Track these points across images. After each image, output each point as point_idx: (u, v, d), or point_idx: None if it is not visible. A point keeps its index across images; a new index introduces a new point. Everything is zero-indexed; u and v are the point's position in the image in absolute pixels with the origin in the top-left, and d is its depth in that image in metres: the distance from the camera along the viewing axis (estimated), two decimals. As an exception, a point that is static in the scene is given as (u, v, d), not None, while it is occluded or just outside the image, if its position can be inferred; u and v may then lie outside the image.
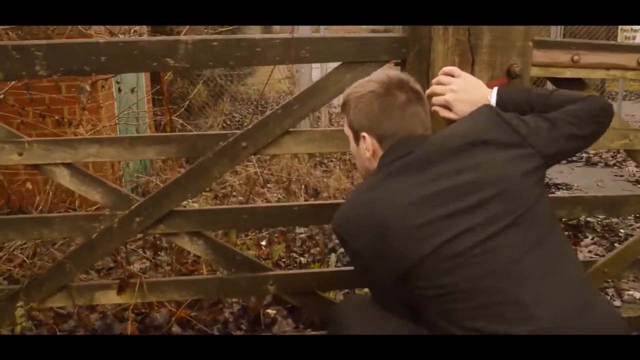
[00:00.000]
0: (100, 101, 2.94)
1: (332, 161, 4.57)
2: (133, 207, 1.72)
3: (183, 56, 1.62)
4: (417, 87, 1.37)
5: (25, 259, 2.36)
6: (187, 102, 3.21)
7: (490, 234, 1.16)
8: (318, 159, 4.30)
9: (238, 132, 1.72)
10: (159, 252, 2.48)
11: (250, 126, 1.73)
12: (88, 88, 2.08)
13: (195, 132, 1.80)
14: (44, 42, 1.59)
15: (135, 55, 1.61)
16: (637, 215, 2.18)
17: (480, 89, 1.45)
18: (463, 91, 1.43)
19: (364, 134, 1.35)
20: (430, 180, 1.21)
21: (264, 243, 2.73)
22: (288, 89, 7.75)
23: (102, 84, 2.88)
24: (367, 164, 1.38)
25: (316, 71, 6.57)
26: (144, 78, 4.25)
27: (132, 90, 3.29)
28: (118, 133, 3.45)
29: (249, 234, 2.78)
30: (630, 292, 2.69)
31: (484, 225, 1.16)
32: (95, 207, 2.32)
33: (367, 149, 1.35)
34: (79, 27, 2.70)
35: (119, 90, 2.85)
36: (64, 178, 1.71)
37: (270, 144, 1.73)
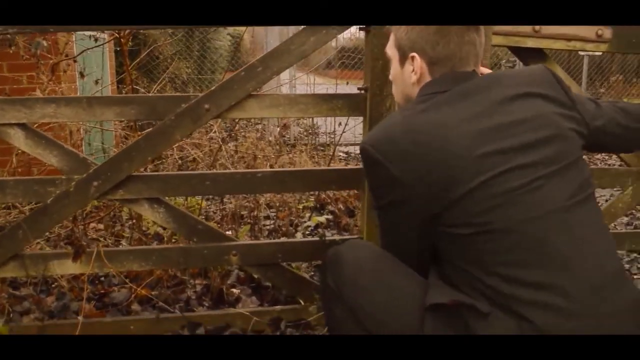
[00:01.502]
0: (63, 87, 2.88)
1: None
2: (91, 170, 1.66)
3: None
4: None
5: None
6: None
7: (537, 176, 1.09)
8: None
9: (200, 94, 1.69)
10: (116, 224, 2.41)
11: (213, 88, 1.70)
12: (45, 43, 2.01)
13: (156, 94, 1.75)
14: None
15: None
16: (604, 188, 2.21)
17: None
18: None
19: (414, 54, 1.24)
20: (487, 114, 1.13)
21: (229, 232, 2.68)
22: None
23: (64, 67, 2.82)
24: (409, 89, 1.29)
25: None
26: (109, 70, 4.19)
27: (96, 82, 3.22)
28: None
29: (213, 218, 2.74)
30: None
31: (533, 166, 1.10)
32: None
33: (415, 71, 1.25)
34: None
35: (82, 76, 2.79)
36: (19, 140, 1.65)
37: (233, 106, 1.71)
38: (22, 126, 1.65)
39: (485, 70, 1.37)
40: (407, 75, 1.28)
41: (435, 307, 1.12)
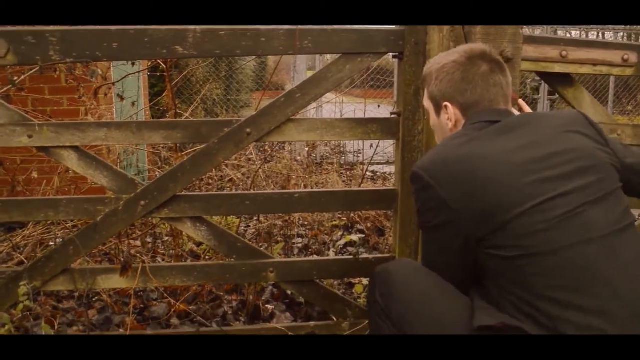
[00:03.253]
0: (103, 108, 3.01)
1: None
2: (139, 190, 1.76)
3: (191, 44, 1.70)
4: (499, 58, 1.37)
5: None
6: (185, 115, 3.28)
7: (581, 203, 1.14)
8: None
9: (243, 118, 1.78)
10: (156, 242, 2.50)
11: (254, 113, 1.79)
12: (100, 72, 2.13)
13: (200, 119, 1.85)
14: (58, 28, 1.66)
15: (145, 42, 1.68)
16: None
17: None
18: None
19: (447, 103, 1.35)
20: (530, 146, 1.20)
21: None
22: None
23: (105, 91, 2.95)
24: (448, 135, 1.36)
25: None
26: (143, 91, 4.35)
27: (133, 104, 3.36)
28: (117, 144, 3.51)
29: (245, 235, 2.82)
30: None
31: (576, 193, 1.15)
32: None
33: (450, 118, 1.35)
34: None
35: (121, 99, 2.92)
36: (72, 161, 1.76)
37: (273, 131, 1.79)
38: (76, 149, 1.75)
39: (523, 106, 1.45)
40: (444, 123, 1.38)
41: (483, 329, 1.15)
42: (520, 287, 1.13)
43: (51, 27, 1.67)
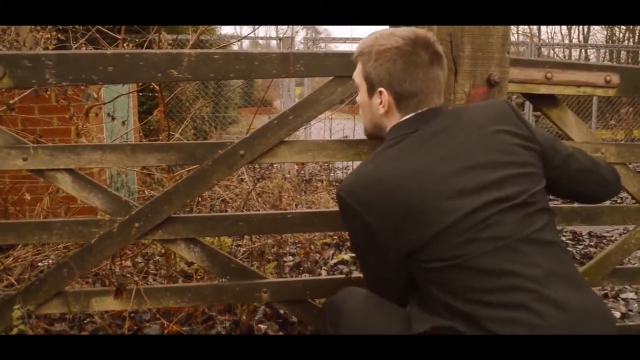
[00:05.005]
0: (93, 128, 3.02)
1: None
2: (133, 212, 1.77)
3: (186, 68, 1.72)
4: (440, 49, 1.36)
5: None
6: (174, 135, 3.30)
7: (497, 210, 1.19)
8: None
9: (236, 140, 1.81)
10: (148, 262, 2.50)
11: (247, 135, 1.82)
12: (95, 95, 2.16)
13: (194, 141, 1.87)
14: (54, 52, 1.68)
15: (140, 66, 1.70)
16: (615, 225, 2.28)
17: None
18: None
19: (382, 89, 1.34)
20: (451, 156, 1.23)
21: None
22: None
23: (96, 111, 2.97)
24: (377, 119, 1.39)
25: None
26: (132, 109, 4.36)
27: (123, 123, 3.38)
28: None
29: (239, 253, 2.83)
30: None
31: (494, 203, 1.20)
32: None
33: (383, 104, 1.35)
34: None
35: (112, 119, 2.93)
36: (66, 184, 1.77)
37: (266, 152, 1.82)
38: (70, 171, 1.77)
39: None
40: (375, 107, 1.38)
41: (421, 335, 1.22)
42: (449, 294, 1.20)
43: (46, 52, 1.69)
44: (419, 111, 1.33)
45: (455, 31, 1.67)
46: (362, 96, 1.43)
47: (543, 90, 1.96)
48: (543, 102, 2.00)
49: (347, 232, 1.38)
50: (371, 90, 1.38)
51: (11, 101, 1.88)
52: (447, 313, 1.21)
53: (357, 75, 1.42)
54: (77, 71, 1.68)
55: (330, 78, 1.82)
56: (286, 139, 1.83)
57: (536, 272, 1.18)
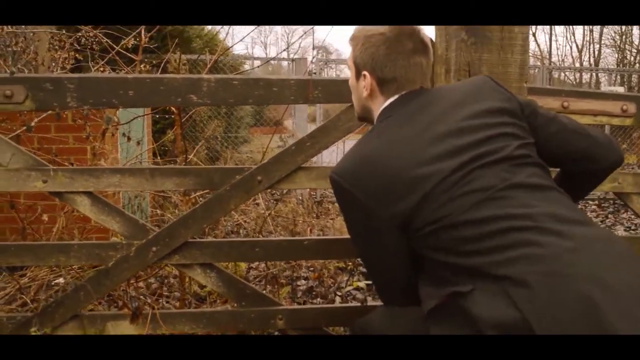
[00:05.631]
0: (109, 151, 3.05)
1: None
2: (151, 236, 1.78)
3: (205, 93, 1.74)
4: (426, 39, 1.42)
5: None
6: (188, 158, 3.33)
7: (474, 167, 1.22)
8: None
9: (254, 166, 1.81)
10: (163, 286, 2.50)
11: (265, 161, 1.83)
12: (115, 118, 2.17)
13: (212, 166, 1.88)
14: (76, 75, 1.71)
15: (161, 90, 1.72)
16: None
17: None
18: None
19: (366, 72, 1.40)
20: (430, 127, 1.27)
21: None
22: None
23: (112, 131, 2.99)
24: (363, 101, 1.46)
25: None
26: (146, 129, 4.40)
27: (138, 143, 3.40)
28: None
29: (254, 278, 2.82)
30: None
31: (472, 161, 1.22)
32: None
33: (366, 88, 1.41)
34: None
35: (128, 139, 2.95)
36: (85, 206, 1.78)
37: (284, 178, 1.82)
38: (89, 194, 1.78)
39: None
40: (361, 89, 1.43)
41: (432, 312, 1.21)
42: (450, 254, 1.20)
43: (69, 75, 1.72)
44: (402, 93, 1.38)
45: (474, 60, 1.68)
46: (351, 79, 1.50)
47: (561, 119, 1.96)
48: (561, 131, 2.00)
49: (343, 215, 1.39)
50: (357, 74, 1.44)
51: (32, 123, 1.90)
52: (451, 274, 1.21)
53: (349, 59, 1.49)
54: (98, 95, 1.70)
55: (349, 104, 1.84)
56: (304, 165, 1.83)
57: (530, 210, 1.18)
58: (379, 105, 1.42)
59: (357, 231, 1.36)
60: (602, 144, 1.45)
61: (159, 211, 3.50)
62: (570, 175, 1.51)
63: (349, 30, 1.54)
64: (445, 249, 1.21)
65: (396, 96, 1.39)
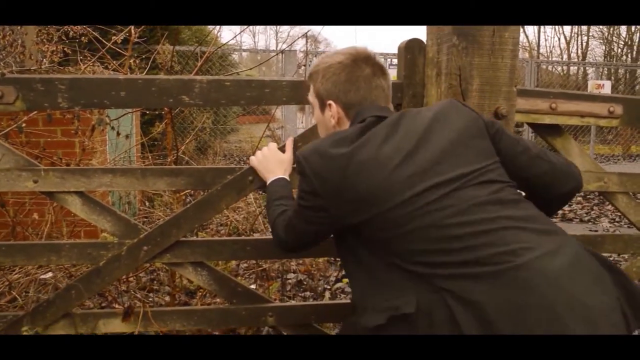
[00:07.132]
0: (98, 145, 3.04)
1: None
2: (142, 235, 1.79)
3: (197, 94, 1.75)
4: (381, 62, 1.48)
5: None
6: (179, 151, 3.32)
7: (440, 195, 1.23)
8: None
9: (246, 166, 1.83)
10: (154, 281, 2.51)
11: (256, 161, 1.84)
12: (108, 121, 2.17)
13: (204, 166, 1.89)
14: (67, 76, 1.70)
15: (152, 91, 1.72)
16: (618, 253, 2.31)
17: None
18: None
19: (331, 101, 1.44)
20: (398, 143, 1.29)
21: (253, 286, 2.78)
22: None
23: (103, 127, 2.98)
24: (331, 131, 1.46)
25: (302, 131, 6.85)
26: (134, 121, 4.38)
27: (127, 137, 3.39)
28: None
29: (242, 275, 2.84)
30: None
31: (440, 186, 1.24)
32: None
33: (333, 116, 1.44)
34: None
35: (117, 134, 2.95)
36: (76, 206, 1.78)
37: (274, 178, 1.83)
38: (80, 194, 1.78)
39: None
40: (328, 119, 1.47)
41: (378, 328, 1.24)
42: (398, 258, 1.23)
43: (60, 76, 1.71)
44: (372, 114, 1.39)
45: (465, 64, 1.70)
46: (316, 113, 1.53)
47: (548, 120, 1.99)
48: (547, 132, 2.03)
49: (297, 189, 1.41)
50: (322, 105, 1.48)
51: (23, 125, 1.89)
52: (397, 278, 1.24)
53: (311, 95, 1.53)
54: (89, 96, 1.70)
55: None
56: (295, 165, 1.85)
57: (498, 223, 1.21)
58: None
59: (304, 206, 1.37)
60: (561, 170, 1.48)
61: (147, 203, 3.49)
62: (532, 198, 1.50)
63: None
64: (396, 254, 1.24)
65: (362, 120, 1.39)
